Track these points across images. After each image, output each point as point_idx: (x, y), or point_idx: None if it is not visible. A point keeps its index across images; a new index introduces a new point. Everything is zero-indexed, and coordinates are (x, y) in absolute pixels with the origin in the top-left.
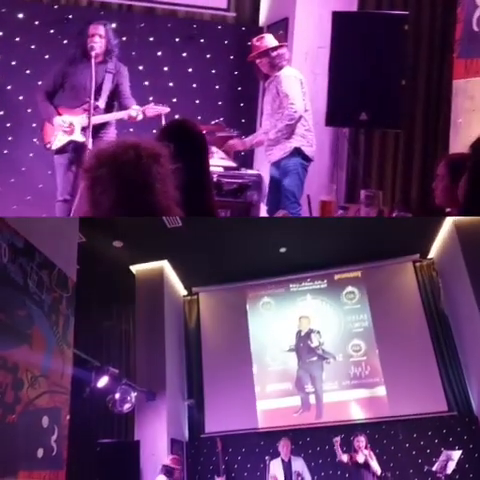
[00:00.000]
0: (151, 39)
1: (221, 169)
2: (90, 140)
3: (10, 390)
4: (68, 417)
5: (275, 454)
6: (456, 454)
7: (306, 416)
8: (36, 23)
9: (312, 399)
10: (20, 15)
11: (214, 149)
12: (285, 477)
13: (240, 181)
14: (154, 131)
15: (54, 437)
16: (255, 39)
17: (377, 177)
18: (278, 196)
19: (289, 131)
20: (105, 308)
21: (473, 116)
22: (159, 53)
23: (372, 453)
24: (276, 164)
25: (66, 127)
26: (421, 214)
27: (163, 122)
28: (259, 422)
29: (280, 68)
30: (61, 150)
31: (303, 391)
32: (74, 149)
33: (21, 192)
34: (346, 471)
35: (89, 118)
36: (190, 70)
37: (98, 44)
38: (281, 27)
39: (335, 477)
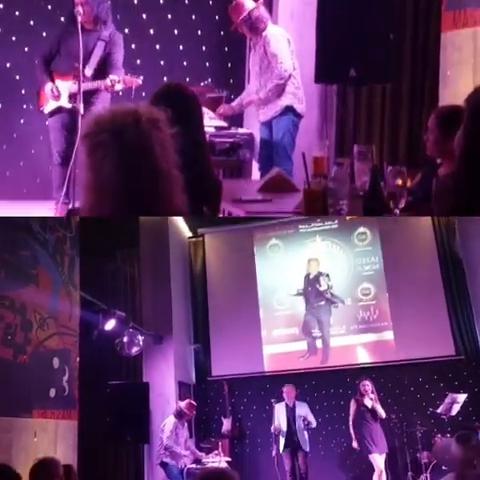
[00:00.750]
0: (135, 2)
1: (212, 129)
2: (81, 105)
3: (20, 331)
4: (78, 359)
5: (280, 398)
6: (461, 397)
7: (312, 360)
8: None
9: (319, 343)
10: None
11: (205, 110)
12: (288, 421)
13: (232, 140)
14: (143, 94)
15: (65, 378)
16: (230, 9)
17: (365, 131)
18: (270, 154)
19: (279, 90)
20: (109, 251)
21: (462, 68)
22: (144, 16)
23: (376, 397)
24: (267, 122)
25: (53, 94)
26: (409, 166)
27: (133, 95)
28: (265, 366)
29: (263, 29)
30: (54, 113)
31: (310, 335)
32: (65, 113)
33: (14, 158)
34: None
35: (79, 84)
36: (176, 32)
37: (81, 11)
38: None
39: (340, 420)
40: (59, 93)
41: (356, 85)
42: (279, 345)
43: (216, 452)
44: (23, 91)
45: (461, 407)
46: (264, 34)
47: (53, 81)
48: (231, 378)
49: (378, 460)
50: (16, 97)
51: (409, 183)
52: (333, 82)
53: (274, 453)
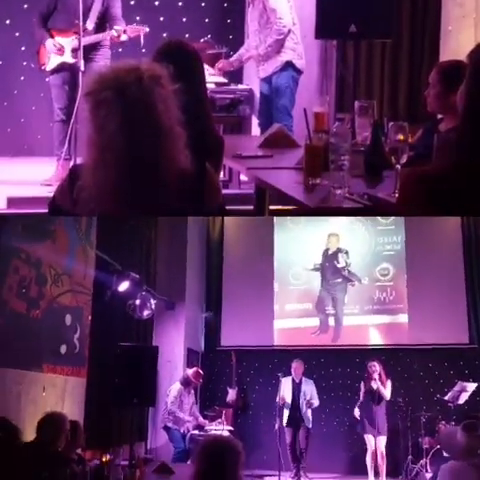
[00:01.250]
0: None
1: (213, 85)
2: (82, 62)
3: (34, 285)
4: (90, 317)
5: (287, 373)
6: (471, 386)
7: (323, 338)
8: None
9: (331, 321)
10: None
11: (205, 66)
12: (293, 396)
13: (232, 96)
14: (143, 51)
15: (77, 335)
16: None
17: (365, 87)
18: (270, 109)
19: (279, 45)
20: None
21: (463, 23)
22: None
23: (388, 380)
24: (267, 78)
25: (57, 49)
26: (409, 121)
27: (142, 42)
28: (275, 340)
29: None
30: (55, 71)
31: (323, 312)
32: (67, 69)
33: (14, 115)
34: (356, 394)
35: (79, 40)
36: None
37: None
38: None
39: (344, 399)
40: (63, 48)
41: (356, 41)
42: (291, 320)
43: (219, 420)
44: (23, 48)
45: (469, 396)
46: None
47: (53, 38)
48: (240, 349)
49: (371, 441)
50: (16, 54)
51: (410, 139)
52: (333, 38)
53: (276, 426)
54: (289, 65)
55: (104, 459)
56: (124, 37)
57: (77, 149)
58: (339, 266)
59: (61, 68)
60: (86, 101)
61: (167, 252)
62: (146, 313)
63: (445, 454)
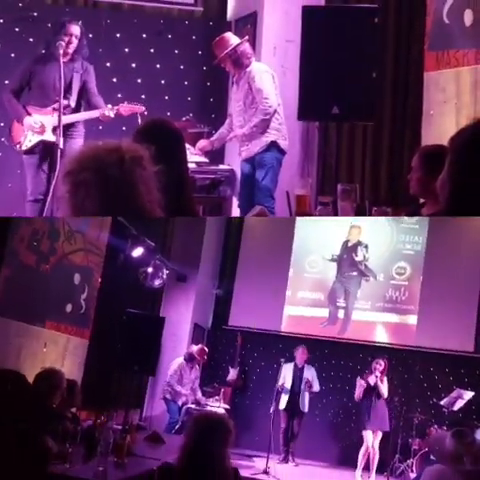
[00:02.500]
0: (118, 35)
1: (194, 165)
2: (61, 139)
3: (46, 239)
4: (99, 279)
5: (290, 359)
6: (468, 394)
7: (330, 329)
8: (0, 21)
9: (341, 314)
10: None
11: (186, 145)
12: (293, 381)
13: (213, 176)
14: (124, 128)
15: (84, 296)
16: (214, 44)
17: (347, 169)
18: (251, 191)
19: (264, 126)
20: None
21: (445, 108)
22: (126, 49)
23: (385, 377)
24: (250, 159)
25: (37, 128)
26: (390, 205)
27: (139, 121)
28: (283, 326)
29: (247, 65)
30: (31, 150)
31: (334, 304)
32: (44, 148)
33: None
34: (354, 388)
35: (59, 117)
36: (158, 66)
37: (72, 44)
38: (249, 21)
39: (343, 392)
40: (44, 126)
41: (339, 122)
42: (301, 308)
43: (217, 398)
44: (1, 124)
45: (464, 404)
46: (248, 70)
47: (30, 115)
48: (246, 330)
49: (369, 437)
50: None
51: None
52: (315, 119)
53: (272, 410)
54: (273, 145)
55: (98, 421)
56: (112, 115)
57: None
58: (357, 259)
59: (37, 147)
60: (65, 182)
61: (186, 225)
62: (157, 282)
63: (432, 457)
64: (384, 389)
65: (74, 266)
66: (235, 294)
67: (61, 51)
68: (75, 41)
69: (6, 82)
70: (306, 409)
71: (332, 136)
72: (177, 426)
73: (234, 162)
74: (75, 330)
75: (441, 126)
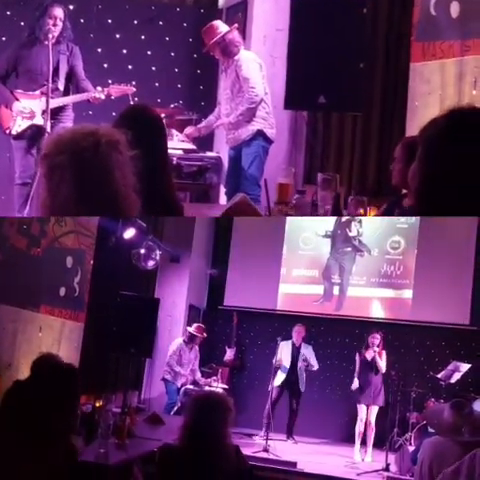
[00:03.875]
0: (109, 21)
1: (181, 152)
2: (48, 123)
3: (36, 222)
4: (92, 262)
5: (287, 337)
6: (464, 367)
7: (326, 306)
8: None
9: (336, 290)
10: None
11: (174, 132)
12: (292, 359)
13: (199, 163)
14: (113, 114)
15: (77, 279)
16: (203, 32)
17: (335, 160)
18: (238, 178)
19: (250, 114)
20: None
21: (429, 99)
22: (118, 36)
23: (383, 351)
24: (236, 147)
25: (27, 113)
26: (377, 195)
27: (131, 102)
28: (278, 304)
29: (235, 53)
30: (21, 135)
31: (329, 281)
32: (33, 133)
33: None
34: (351, 364)
35: (47, 102)
36: (149, 53)
37: (58, 27)
38: (240, 9)
39: (340, 368)
40: (33, 112)
41: (325, 112)
42: (296, 285)
43: (214, 378)
44: None
45: (461, 376)
46: (236, 58)
47: (18, 101)
48: (242, 310)
49: (364, 410)
50: None
51: (375, 212)
52: (302, 108)
53: (270, 388)
54: (260, 134)
55: (97, 404)
56: (102, 97)
57: (34, 212)
58: (350, 235)
59: (26, 132)
60: (42, 164)
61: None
62: (150, 263)
63: (430, 430)
64: (382, 364)
65: (66, 249)
66: (229, 274)
67: (50, 35)
68: (60, 23)
69: None
70: (304, 388)
71: (319, 125)
72: (176, 407)
73: (223, 150)
74: (70, 314)
75: (425, 117)
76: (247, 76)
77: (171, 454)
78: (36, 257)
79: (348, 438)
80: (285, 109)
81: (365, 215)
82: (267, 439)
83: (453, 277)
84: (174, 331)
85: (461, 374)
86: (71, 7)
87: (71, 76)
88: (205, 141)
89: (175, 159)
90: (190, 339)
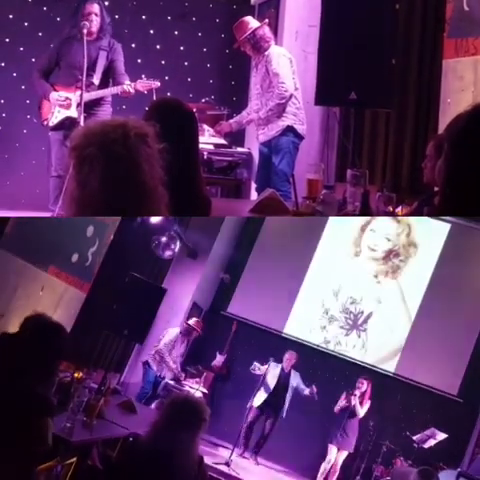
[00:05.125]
0: (143, 17)
1: (211, 147)
2: (82, 117)
3: None
4: (112, 237)
5: (278, 360)
6: (441, 436)
7: None
8: (29, 0)
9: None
10: None
11: (205, 127)
12: (278, 383)
13: (230, 159)
14: (146, 109)
15: (93, 249)
16: (234, 28)
17: (368, 157)
18: (268, 174)
19: (280, 110)
20: None
21: (462, 96)
22: (151, 31)
23: (368, 400)
24: (267, 142)
25: (62, 101)
26: (410, 193)
27: (154, 97)
28: (286, 328)
29: (266, 49)
30: (57, 126)
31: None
32: (69, 125)
33: (15, 168)
34: (333, 402)
35: (81, 95)
36: (182, 48)
37: (94, 22)
38: (272, 5)
39: (322, 404)
40: (69, 100)
41: (356, 108)
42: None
43: (197, 380)
44: (27, 101)
45: (435, 444)
46: (266, 53)
47: (56, 91)
48: (243, 321)
49: (333, 452)
50: (20, 107)
51: (405, 210)
52: (333, 104)
53: (249, 405)
54: (290, 130)
55: (76, 374)
56: (132, 91)
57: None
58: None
59: (63, 124)
60: (71, 156)
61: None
62: (168, 254)
63: None
64: (361, 410)
65: (90, 218)
66: (241, 281)
67: (85, 31)
68: (96, 19)
69: (33, 60)
70: (284, 415)
71: (351, 122)
72: (148, 396)
73: (254, 145)
74: (76, 281)
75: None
76: (277, 71)
77: (136, 447)
78: (58, 218)
79: (311, 474)
80: (316, 105)
81: (394, 213)
82: (232, 453)
83: (453, 345)
84: (171, 323)
85: (436, 442)
86: (106, 3)
87: (109, 71)
88: (237, 137)
89: (206, 154)
90: (186, 332)
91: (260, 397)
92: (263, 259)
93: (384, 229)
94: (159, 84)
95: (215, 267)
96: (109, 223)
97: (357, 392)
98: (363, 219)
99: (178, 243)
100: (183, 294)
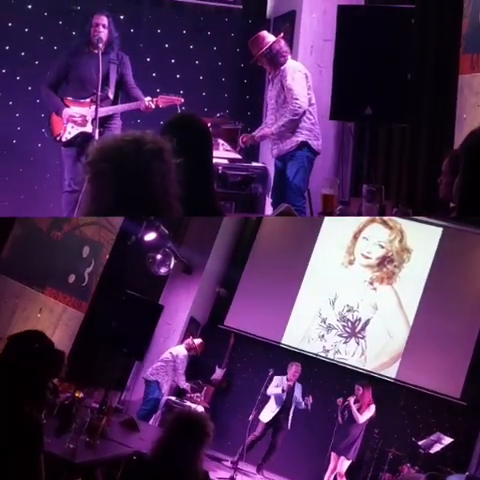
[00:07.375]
0: (159, 31)
1: (226, 161)
2: (97, 131)
3: None
4: (107, 256)
5: (277, 372)
6: (447, 440)
7: None
8: (45, 14)
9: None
10: (29, 6)
11: (220, 141)
12: (286, 398)
13: (245, 173)
14: (161, 122)
15: (89, 269)
16: (250, 42)
17: (383, 172)
18: (283, 189)
19: (293, 126)
20: None
21: (478, 111)
22: (166, 45)
23: (368, 403)
24: (282, 157)
25: (78, 118)
26: (425, 209)
27: (179, 111)
28: (284, 339)
29: (282, 63)
30: (70, 142)
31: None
32: (83, 140)
33: (29, 182)
34: (334, 412)
35: (96, 110)
36: (197, 62)
37: (102, 34)
38: (287, 20)
39: (324, 413)
40: (84, 118)
41: (372, 123)
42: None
43: (198, 395)
44: (42, 115)
45: (441, 449)
46: (282, 68)
47: (68, 108)
48: (241, 334)
49: (333, 460)
50: (35, 121)
51: None
52: (348, 119)
53: (251, 418)
54: (304, 145)
55: (76, 394)
56: (152, 106)
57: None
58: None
59: (76, 140)
60: (86, 171)
61: (202, 220)
62: (163, 270)
63: None
64: (360, 417)
65: (85, 238)
66: (237, 294)
67: (95, 40)
68: (104, 31)
69: (48, 73)
70: (289, 427)
71: (366, 137)
72: (149, 413)
73: (268, 160)
74: (73, 301)
75: None
76: (291, 87)
77: (140, 465)
78: (55, 240)
79: None
80: (331, 119)
81: None
82: (236, 468)
83: (453, 348)
84: (170, 340)
85: (442, 447)
86: (122, 17)
87: (121, 84)
88: (251, 151)
89: (220, 168)
90: (189, 350)
91: (269, 413)
92: (258, 271)
93: (377, 236)
94: (182, 100)
95: (210, 281)
96: (104, 242)
97: (351, 398)
98: (355, 224)
99: (173, 259)
100: (180, 309)
